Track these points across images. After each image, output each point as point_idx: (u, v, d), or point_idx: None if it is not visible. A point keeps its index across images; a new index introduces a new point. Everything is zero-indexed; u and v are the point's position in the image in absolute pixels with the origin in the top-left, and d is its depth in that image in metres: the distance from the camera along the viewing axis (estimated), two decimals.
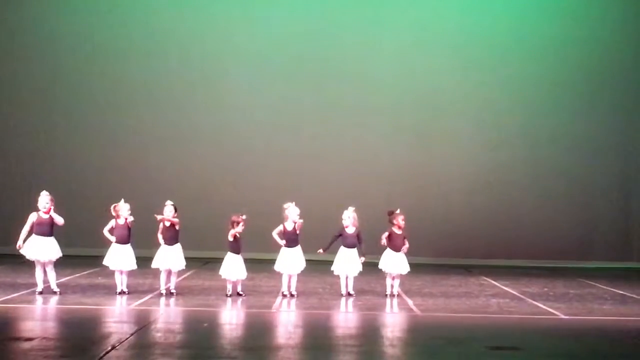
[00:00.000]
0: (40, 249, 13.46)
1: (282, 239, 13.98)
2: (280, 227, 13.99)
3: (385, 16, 21.66)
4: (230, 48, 21.55)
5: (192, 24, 21.53)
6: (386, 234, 14.23)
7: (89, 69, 21.36)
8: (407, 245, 14.25)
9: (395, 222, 14.23)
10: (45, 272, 13.57)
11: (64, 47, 21.41)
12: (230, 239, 13.69)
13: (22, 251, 13.52)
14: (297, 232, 14.00)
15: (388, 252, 14.25)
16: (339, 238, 14.24)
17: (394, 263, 14.21)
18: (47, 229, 13.50)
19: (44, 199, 13.55)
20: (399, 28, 21.62)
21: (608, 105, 21.73)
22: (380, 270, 14.37)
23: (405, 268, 14.30)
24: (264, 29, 21.52)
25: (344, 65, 21.48)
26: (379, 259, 14.32)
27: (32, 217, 13.54)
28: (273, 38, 21.47)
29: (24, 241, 13.48)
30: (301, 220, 13.99)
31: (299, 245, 14.04)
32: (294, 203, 14.06)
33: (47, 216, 13.52)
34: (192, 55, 21.51)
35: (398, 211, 14.29)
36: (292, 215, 13.98)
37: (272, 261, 14.17)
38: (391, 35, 21.62)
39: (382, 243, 14.21)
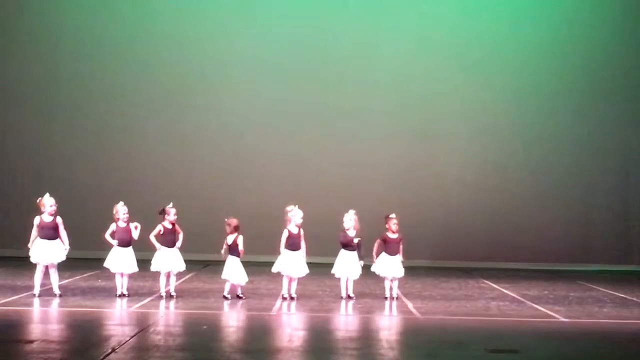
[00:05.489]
0: (44, 252, 13.46)
1: (287, 242, 13.89)
2: (286, 233, 13.91)
3: (384, 20, 21.68)
4: (230, 51, 21.56)
5: (192, 26, 21.53)
6: (378, 240, 14.21)
7: (89, 72, 21.35)
8: (401, 251, 14.21)
9: (388, 226, 14.23)
10: (45, 275, 13.57)
11: (64, 49, 21.41)
12: (241, 247, 13.63)
13: (29, 253, 13.53)
14: (301, 236, 13.97)
15: (383, 255, 14.18)
16: (340, 241, 14.21)
17: (389, 267, 14.16)
18: (51, 232, 13.47)
19: (49, 201, 13.54)
20: (398, 32, 21.64)
21: (607, 108, 21.72)
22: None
23: (399, 272, 14.26)
24: (263, 32, 21.52)
25: (343, 68, 21.49)
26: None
27: (36, 221, 13.52)
28: (273, 41, 21.47)
29: (32, 243, 13.50)
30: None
31: (301, 249, 13.96)
32: (297, 206, 14.01)
33: (50, 218, 13.51)
34: (192, 58, 21.51)
35: (392, 215, 14.28)
36: (296, 219, 13.95)
37: (272, 264, 14.10)
38: (390, 39, 21.63)
39: (374, 256, 14.16)
